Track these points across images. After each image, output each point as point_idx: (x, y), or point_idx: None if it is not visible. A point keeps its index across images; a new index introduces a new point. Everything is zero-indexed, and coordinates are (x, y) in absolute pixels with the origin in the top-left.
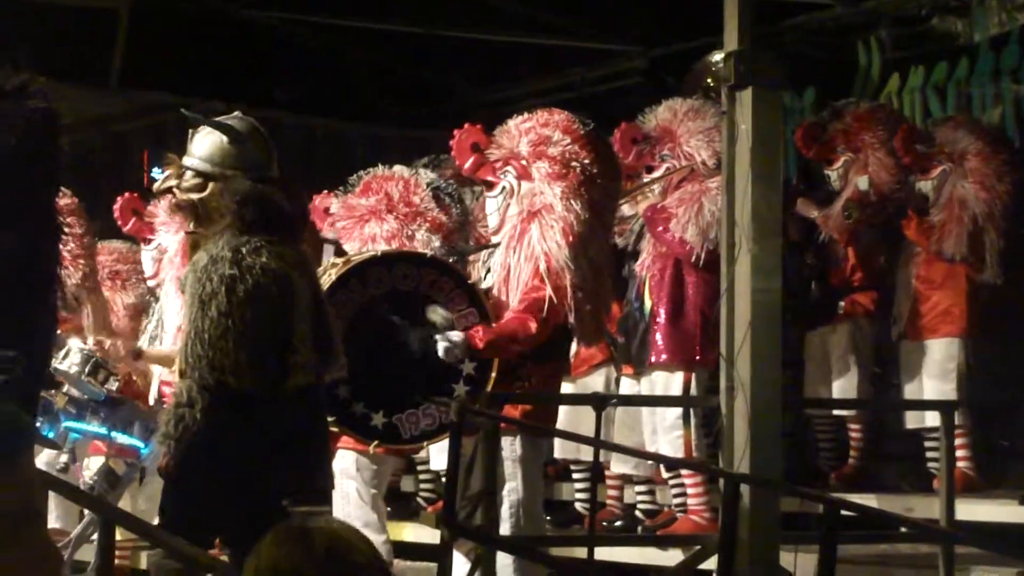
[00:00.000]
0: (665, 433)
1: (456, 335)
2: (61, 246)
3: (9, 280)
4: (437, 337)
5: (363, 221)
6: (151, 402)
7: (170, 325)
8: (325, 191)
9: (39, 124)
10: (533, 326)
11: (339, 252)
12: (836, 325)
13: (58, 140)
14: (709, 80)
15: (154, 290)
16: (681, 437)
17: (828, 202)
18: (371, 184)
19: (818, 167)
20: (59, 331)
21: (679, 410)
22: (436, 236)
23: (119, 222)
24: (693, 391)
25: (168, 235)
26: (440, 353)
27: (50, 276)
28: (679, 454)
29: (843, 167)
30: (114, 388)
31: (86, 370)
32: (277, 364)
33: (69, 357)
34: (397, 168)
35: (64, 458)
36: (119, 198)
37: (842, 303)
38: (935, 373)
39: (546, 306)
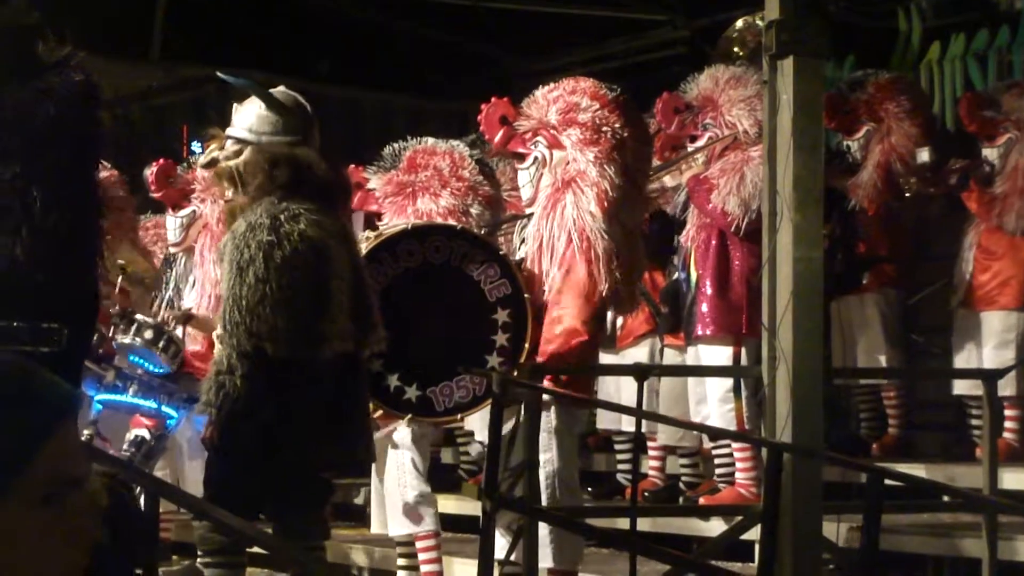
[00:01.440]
0: (716, 405)
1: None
2: (102, 219)
3: (53, 253)
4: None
5: (414, 197)
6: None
7: (189, 293)
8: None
9: (78, 96)
10: (581, 328)
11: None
12: (862, 295)
13: (97, 112)
14: (736, 48)
15: (169, 259)
16: (733, 410)
17: (851, 172)
18: (416, 159)
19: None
20: (118, 308)
21: (729, 382)
22: (488, 210)
23: (152, 187)
24: (743, 363)
25: (206, 205)
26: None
27: (93, 249)
28: (731, 426)
29: (864, 137)
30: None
31: (160, 344)
32: (314, 331)
33: (141, 331)
34: (432, 141)
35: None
36: (154, 164)
37: (867, 273)
38: (994, 344)
39: (587, 287)
